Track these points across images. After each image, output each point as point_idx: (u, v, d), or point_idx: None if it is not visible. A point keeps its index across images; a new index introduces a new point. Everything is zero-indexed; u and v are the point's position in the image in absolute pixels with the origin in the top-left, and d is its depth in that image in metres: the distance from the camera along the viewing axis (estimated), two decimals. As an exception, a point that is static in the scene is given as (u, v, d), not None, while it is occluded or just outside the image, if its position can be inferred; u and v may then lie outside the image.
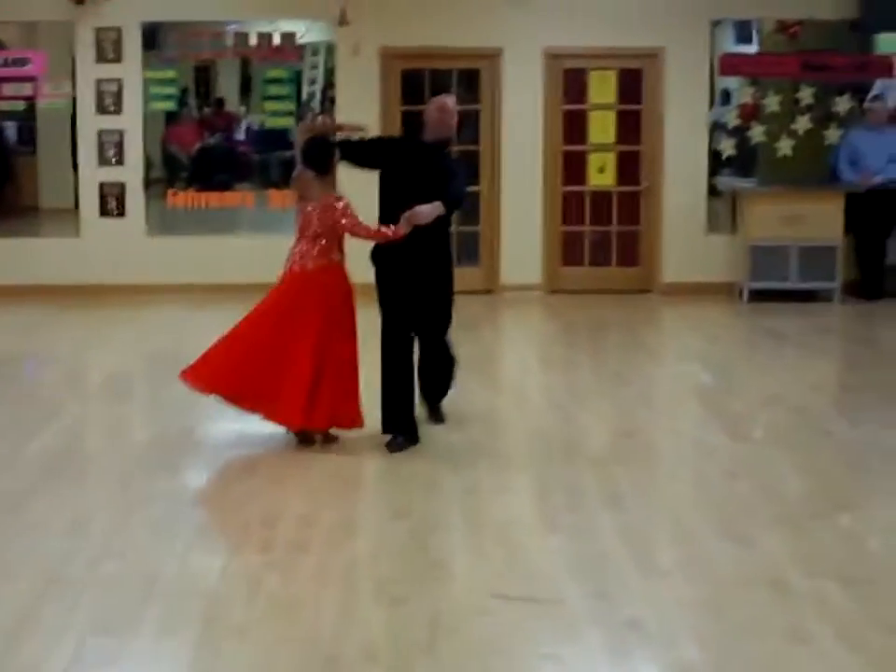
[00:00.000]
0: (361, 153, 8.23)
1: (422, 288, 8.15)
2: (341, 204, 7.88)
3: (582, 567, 6.05)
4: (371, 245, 8.10)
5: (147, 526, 6.66)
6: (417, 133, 8.39)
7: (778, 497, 7.16)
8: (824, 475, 7.64)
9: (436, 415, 8.55)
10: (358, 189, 8.34)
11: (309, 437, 8.06)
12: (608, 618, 5.45)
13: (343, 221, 7.85)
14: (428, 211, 7.69)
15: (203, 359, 8.01)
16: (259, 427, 8.21)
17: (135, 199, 13.96)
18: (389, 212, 7.95)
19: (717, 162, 14.51)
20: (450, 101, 8.30)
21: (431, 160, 8.10)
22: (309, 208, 7.92)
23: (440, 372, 8.48)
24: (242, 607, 5.60)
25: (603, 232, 14.16)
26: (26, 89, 14.01)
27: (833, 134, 13.79)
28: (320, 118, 8.27)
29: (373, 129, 12.75)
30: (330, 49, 14.81)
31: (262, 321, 8.01)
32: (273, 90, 14.31)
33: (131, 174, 13.92)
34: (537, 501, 7.11)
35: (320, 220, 7.87)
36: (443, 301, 8.30)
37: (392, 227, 7.80)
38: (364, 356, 8.09)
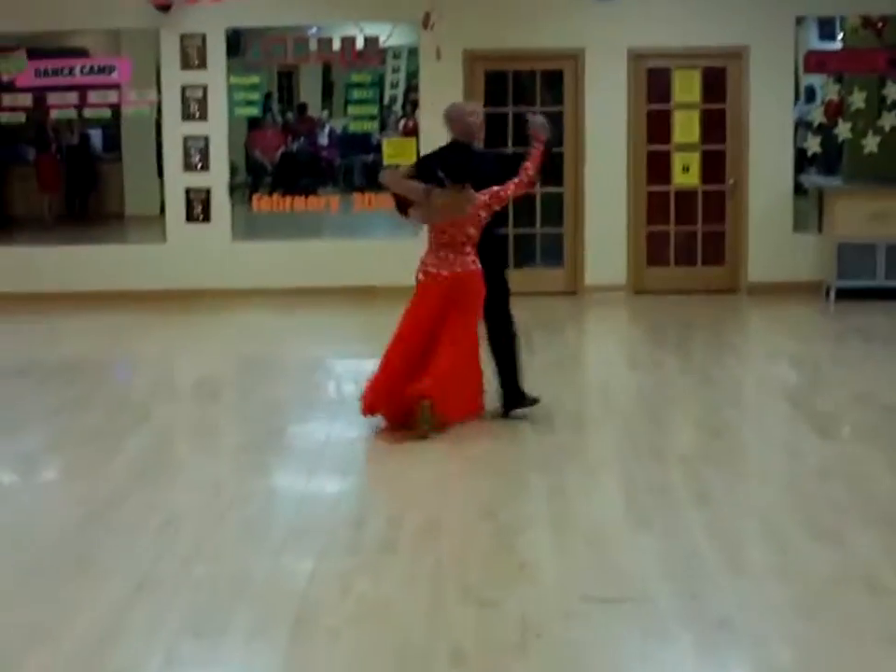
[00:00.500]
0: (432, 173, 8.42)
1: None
2: (486, 194, 8.18)
3: (672, 567, 6.00)
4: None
5: (239, 528, 6.70)
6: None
7: (871, 496, 7.05)
8: (918, 475, 7.52)
9: (520, 401, 8.63)
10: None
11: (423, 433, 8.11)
12: (699, 618, 5.39)
13: (503, 194, 8.20)
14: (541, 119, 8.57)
15: (368, 386, 8.24)
16: (347, 428, 8.34)
17: (221, 204, 14.06)
18: None
19: (802, 160, 14.38)
20: (479, 107, 9.19)
21: (475, 155, 8.62)
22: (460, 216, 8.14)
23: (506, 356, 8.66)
24: (332, 608, 5.61)
25: (688, 232, 14.09)
26: (111, 96, 14.17)
27: (919, 131, 13.65)
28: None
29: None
30: (413, 52, 14.85)
31: (418, 332, 8.19)
32: (356, 94, 14.37)
33: (216, 179, 14.03)
34: (625, 501, 7.07)
35: (479, 219, 8.15)
36: (501, 295, 8.54)
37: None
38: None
